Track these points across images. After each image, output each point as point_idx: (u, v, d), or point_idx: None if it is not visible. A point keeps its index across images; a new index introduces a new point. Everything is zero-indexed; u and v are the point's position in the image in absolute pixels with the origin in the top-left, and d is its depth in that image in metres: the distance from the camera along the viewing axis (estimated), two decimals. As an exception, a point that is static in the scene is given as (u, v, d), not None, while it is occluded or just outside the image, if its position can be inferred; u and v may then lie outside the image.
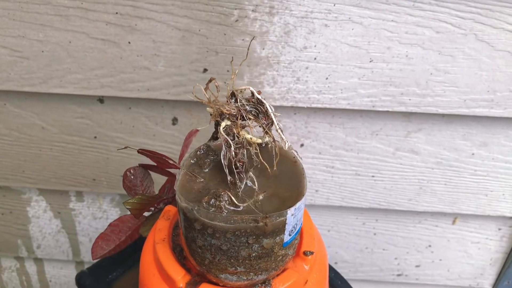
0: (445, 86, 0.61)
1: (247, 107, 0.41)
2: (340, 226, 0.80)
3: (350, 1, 0.56)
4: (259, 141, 0.41)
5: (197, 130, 0.56)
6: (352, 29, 0.58)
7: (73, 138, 0.70)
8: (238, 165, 0.40)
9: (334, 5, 0.56)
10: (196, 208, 0.38)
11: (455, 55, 0.59)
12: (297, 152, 0.43)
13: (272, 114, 0.41)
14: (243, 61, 0.41)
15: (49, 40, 0.60)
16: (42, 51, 0.61)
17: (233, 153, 0.40)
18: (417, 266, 0.84)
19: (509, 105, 0.62)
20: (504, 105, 0.62)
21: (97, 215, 0.81)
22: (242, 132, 0.41)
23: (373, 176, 0.72)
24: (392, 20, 0.57)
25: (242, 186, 0.41)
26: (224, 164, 0.41)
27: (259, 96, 0.41)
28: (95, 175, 0.74)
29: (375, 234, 0.80)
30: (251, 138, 0.41)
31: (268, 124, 0.42)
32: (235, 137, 0.41)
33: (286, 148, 0.42)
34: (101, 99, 0.66)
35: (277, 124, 0.41)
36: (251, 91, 0.41)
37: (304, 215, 0.49)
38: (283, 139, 0.41)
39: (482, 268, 0.84)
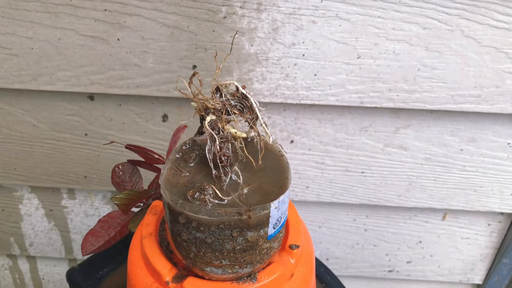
0: (433, 82, 0.62)
1: (232, 102, 0.41)
2: (331, 222, 0.81)
3: (337, -3, 0.56)
4: (244, 135, 0.42)
5: (185, 126, 0.56)
6: (340, 25, 0.58)
7: (64, 135, 0.71)
8: (223, 159, 0.41)
9: (321, 1, 0.57)
10: (180, 202, 0.38)
11: (442, 51, 0.60)
12: (281, 146, 0.44)
13: (256, 109, 0.42)
14: (227, 56, 0.41)
15: (38, 37, 0.60)
16: (32, 48, 0.61)
17: (218, 147, 0.40)
18: (408, 262, 0.84)
19: (496, 101, 0.63)
20: (491, 100, 0.63)
21: (89, 212, 0.82)
22: (227, 127, 0.41)
23: (362, 172, 0.73)
24: (379, 17, 0.57)
25: (227, 180, 0.41)
26: (209, 158, 0.41)
27: (243, 91, 0.41)
28: (87, 172, 0.75)
29: (365, 230, 0.81)
30: (235, 133, 0.41)
31: (253, 118, 0.42)
32: (220, 131, 0.41)
33: (271, 142, 0.42)
34: (91, 96, 0.67)
35: (262, 118, 0.42)
36: (235, 85, 0.42)
37: (290, 209, 0.49)
38: (267, 133, 0.42)
39: (472, 263, 0.84)
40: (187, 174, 0.42)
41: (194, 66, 0.62)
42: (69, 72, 0.63)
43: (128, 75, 0.63)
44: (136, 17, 0.58)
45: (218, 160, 0.41)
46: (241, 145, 0.42)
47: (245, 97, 0.42)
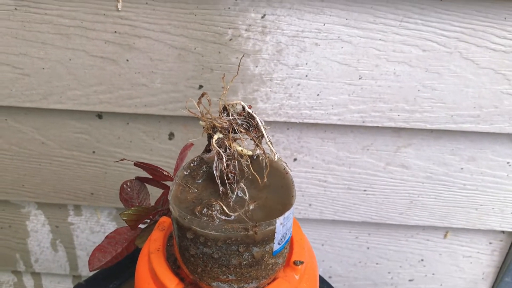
0: (433, 102, 0.64)
1: (239, 121, 0.43)
2: (333, 240, 0.82)
3: (339, 20, 0.58)
4: (250, 153, 0.43)
5: (192, 144, 0.58)
6: (342, 47, 0.60)
7: (72, 152, 0.72)
8: (230, 176, 0.42)
9: (324, 24, 0.59)
10: (188, 217, 0.40)
11: (441, 72, 0.61)
12: (286, 163, 0.45)
13: (262, 127, 0.43)
14: (234, 77, 0.43)
15: (49, 57, 0.62)
16: (43, 68, 0.63)
17: (225, 164, 0.42)
18: (410, 280, 0.85)
19: (495, 120, 0.64)
20: (490, 120, 0.64)
21: (95, 229, 0.83)
22: (234, 145, 0.43)
23: (364, 190, 0.74)
24: (380, 39, 0.59)
25: (234, 197, 0.42)
26: (216, 175, 0.42)
27: (249, 110, 0.43)
28: (93, 189, 0.76)
29: (368, 248, 0.82)
30: (242, 150, 0.43)
31: (259, 137, 0.44)
32: (227, 149, 0.43)
33: (276, 159, 0.44)
34: (99, 115, 0.68)
35: (267, 136, 0.43)
36: (242, 105, 0.43)
37: (294, 226, 0.50)
38: (272, 151, 0.43)
39: (474, 282, 0.85)
40: (195, 190, 0.43)
41: (201, 86, 0.64)
42: (79, 91, 0.65)
43: (136, 95, 0.65)
44: (145, 39, 0.60)
45: (225, 177, 0.42)
46: (247, 163, 0.44)
47: (251, 116, 0.43)
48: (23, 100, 0.66)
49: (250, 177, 0.44)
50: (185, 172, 0.45)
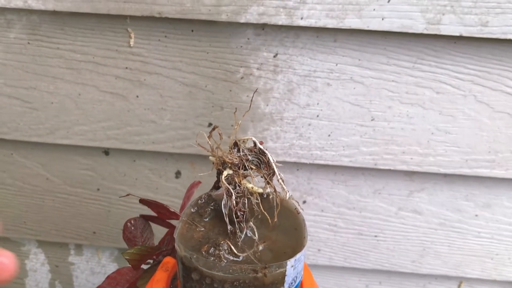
0: (447, 146, 0.62)
1: (249, 157, 0.42)
2: (342, 288, 0.79)
3: (351, 61, 0.58)
4: (260, 190, 0.42)
5: (199, 182, 0.56)
6: (354, 88, 0.59)
7: (76, 189, 0.71)
8: (239, 214, 0.40)
9: (336, 65, 0.58)
10: (195, 257, 0.38)
11: (455, 115, 0.60)
12: (298, 202, 0.44)
13: (273, 164, 0.42)
14: (246, 113, 0.42)
15: (59, 92, 0.62)
16: (52, 103, 0.63)
17: (234, 202, 0.40)
18: (422, 333, 0.81)
19: (510, 166, 0.63)
20: (505, 166, 0.63)
21: (96, 270, 0.80)
22: (244, 182, 0.41)
23: (376, 236, 0.71)
24: (392, 80, 0.59)
25: (242, 236, 0.41)
26: (225, 213, 0.41)
27: (261, 146, 0.42)
28: (96, 228, 0.74)
29: (378, 297, 0.78)
30: (252, 188, 0.41)
31: (270, 174, 0.42)
32: (237, 186, 0.41)
33: (287, 198, 0.42)
34: (106, 151, 0.67)
35: (279, 174, 0.42)
36: (253, 141, 0.42)
37: (304, 270, 0.48)
38: (284, 189, 0.42)
39: (490, 337, 0.81)
40: (202, 228, 0.41)
41: (210, 124, 0.63)
42: (86, 126, 0.64)
43: (144, 131, 0.64)
44: (156, 76, 0.60)
45: (234, 215, 0.40)
46: (257, 201, 0.42)
47: (262, 152, 0.42)
48: (29, 134, 0.65)
49: (260, 216, 0.42)
50: (192, 210, 0.43)
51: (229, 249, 0.39)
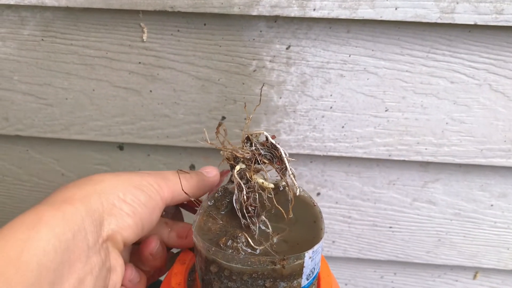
0: (461, 135, 0.62)
1: (262, 151, 0.42)
2: (357, 279, 0.79)
3: (365, 52, 0.58)
4: (272, 186, 0.42)
5: (228, 171, 0.56)
6: (368, 79, 0.59)
7: (91, 184, 0.71)
8: (250, 209, 0.40)
9: (350, 56, 0.58)
10: (213, 249, 0.38)
11: (470, 105, 0.60)
12: (310, 196, 0.44)
13: (286, 159, 0.42)
14: (256, 107, 0.42)
15: (73, 88, 0.62)
16: (66, 99, 0.63)
17: (245, 197, 0.40)
18: (438, 323, 0.81)
19: (526, 155, 0.62)
20: (521, 155, 0.62)
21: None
22: (255, 177, 0.41)
23: (390, 227, 0.71)
24: (406, 71, 0.58)
25: (257, 230, 0.41)
26: (237, 208, 0.41)
27: (273, 141, 0.42)
28: (111, 222, 0.74)
29: (393, 288, 0.78)
30: (263, 183, 0.41)
31: (282, 168, 0.42)
32: (248, 181, 0.41)
33: (298, 194, 0.42)
34: (120, 146, 0.68)
35: (290, 169, 0.42)
36: (265, 135, 0.42)
37: (322, 262, 0.48)
38: (295, 185, 0.42)
39: (506, 327, 0.80)
40: (220, 221, 0.42)
41: (223, 117, 0.63)
42: (101, 122, 0.64)
43: (158, 126, 0.64)
44: (169, 70, 0.60)
45: (245, 210, 0.40)
46: (270, 196, 0.42)
47: (274, 147, 0.42)
48: (45, 130, 0.66)
49: (273, 211, 0.43)
50: (209, 203, 0.44)
51: (246, 242, 0.39)
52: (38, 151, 0.69)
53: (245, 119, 0.63)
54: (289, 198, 0.42)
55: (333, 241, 0.73)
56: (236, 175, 0.41)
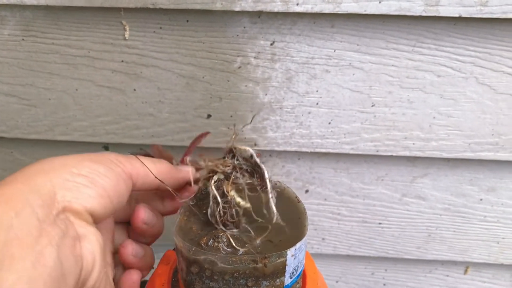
0: (449, 129, 0.61)
1: (244, 166, 0.41)
2: (348, 276, 0.78)
3: (350, 46, 0.57)
4: (248, 205, 0.41)
5: (208, 133, 0.55)
6: (353, 74, 0.59)
7: (78, 185, 0.70)
8: (228, 223, 0.40)
9: (335, 51, 0.57)
10: (193, 249, 0.37)
11: (457, 98, 0.59)
12: (295, 193, 0.43)
13: (267, 180, 0.41)
14: (245, 125, 0.42)
15: (56, 88, 0.62)
16: (49, 99, 0.62)
17: (221, 212, 0.40)
18: (430, 319, 0.80)
19: (515, 148, 0.62)
20: (510, 148, 0.62)
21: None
22: (232, 193, 0.40)
23: (380, 223, 0.71)
24: (392, 65, 0.58)
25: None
26: (212, 221, 0.40)
27: (257, 159, 0.41)
28: (99, 224, 0.74)
29: (384, 284, 0.78)
30: (239, 203, 0.40)
31: (263, 186, 0.42)
32: (225, 195, 0.40)
33: (274, 221, 0.41)
34: (106, 146, 0.67)
35: (271, 192, 0.41)
36: (251, 153, 0.41)
37: (307, 260, 0.47)
38: (273, 211, 0.41)
39: (498, 321, 0.80)
40: (201, 220, 0.41)
41: (209, 116, 0.62)
42: (85, 122, 0.64)
43: (143, 125, 0.63)
44: (153, 68, 0.60)
45: (222, 225, 0.40)
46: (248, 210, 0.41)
47: (258, 165, 0.42)
48: (29, 131, 0.65)
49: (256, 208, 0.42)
50: (191, 203, 0.43)
51: (228, 241, 0.38)
52: (22, 152, 0.68)
53: (231, 116, 0.62)
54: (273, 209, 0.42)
55: (323, 238, 0.73)
56: (213, 186, 0.40)
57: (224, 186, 0.40)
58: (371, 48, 0.57)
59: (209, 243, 0.38)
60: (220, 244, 0.38)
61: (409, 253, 0.73)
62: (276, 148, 0.64)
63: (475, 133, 0.61)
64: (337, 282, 0.78)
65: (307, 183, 0.68)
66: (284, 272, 0.38)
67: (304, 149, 0.64)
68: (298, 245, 0.38)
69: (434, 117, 0.61)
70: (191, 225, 0.40)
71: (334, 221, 0.71)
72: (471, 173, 0.66)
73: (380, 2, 0.52)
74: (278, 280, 0.38)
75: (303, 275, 0.45)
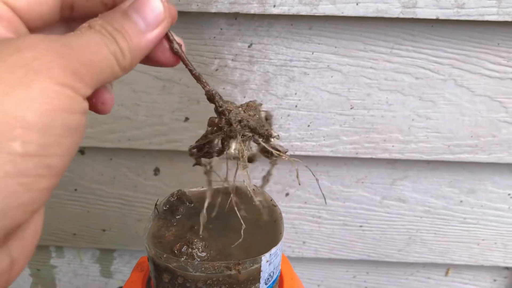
0: (428, 132, 0.61)
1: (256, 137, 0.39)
2: (330, 280, 0.78)
3: (328, 49, 0.57)
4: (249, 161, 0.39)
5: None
6: (331, 76, 0.58)
7: (54, 191, 0.69)
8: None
9: (313, 53, 0.57)
10: (165, 256, 0.36)
11: (435, 100, 0.59)
12: (271, 197, 0.42)
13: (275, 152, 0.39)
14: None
15: (29, 91, 0.60)
16: (22, 102, 0.61)
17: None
18: (412, 321, 0.80)
19: (493, 150, 0.62)
20: (488, 150, 0.62)
21: (78, 272, 0.78)
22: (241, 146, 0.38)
23: (361, 226, 0.70)
24: (370, 67, 0.57)
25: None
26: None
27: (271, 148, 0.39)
28: (76, 229, 0.72)
29: (366, 287, 0.77)
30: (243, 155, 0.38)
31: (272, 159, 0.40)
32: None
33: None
34: (82, 150, 0.66)
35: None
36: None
37: (284, 264, 0.47)
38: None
39: (480, 322, 0.80)
40: (174, 226, 0.40)
41: (187, 119, 0.61)
42: (60, 126, 0.62)
43: (119, 128, 0.62)
44: (128, 70, 0.58)
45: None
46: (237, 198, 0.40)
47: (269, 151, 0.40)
48: (1, 136, 0.63)
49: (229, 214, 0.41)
50: (164, 208, 0.42)
51: (202, 247, 0.37)
52: (-5, 157, 0.66)
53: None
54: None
55: (304, 242, 0.72)
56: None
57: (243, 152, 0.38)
58: (349, 50, 0.57)
59: (183, 250, 0.37)
60: (194, 251, 0.37)
61: (390, 255, 0.73)
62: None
63: (454, 135, 0.61)
64: (318, 286, 0.78)
65: (287, 186, 0.67)
66: (259, 278, 0.37)
67: (283, 152, 0.63)
68: (273, 250, 0.37)
69: (413, 119, 0.60)
70: (164, 231, 0.39)
71: (315, 224, 0.70)
72: (450, 175, 0.66)
73: (357, 4, 0.52)
74: (253, 287, 0.37)
75: (280, 281, 0.45)
